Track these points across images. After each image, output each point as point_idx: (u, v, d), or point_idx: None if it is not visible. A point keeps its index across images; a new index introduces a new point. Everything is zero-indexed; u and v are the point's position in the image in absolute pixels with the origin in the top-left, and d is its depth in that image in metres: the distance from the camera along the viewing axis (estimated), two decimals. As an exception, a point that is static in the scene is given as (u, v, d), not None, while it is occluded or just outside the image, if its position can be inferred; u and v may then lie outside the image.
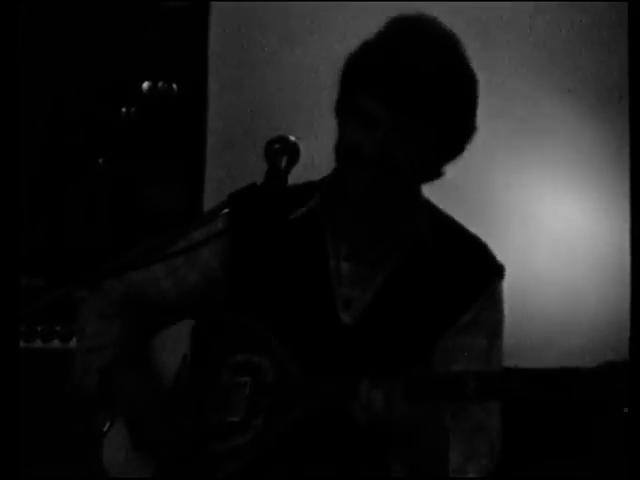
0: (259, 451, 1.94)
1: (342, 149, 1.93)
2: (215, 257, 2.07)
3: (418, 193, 2.03)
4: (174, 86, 3.63)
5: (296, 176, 1.94)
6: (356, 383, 1.82)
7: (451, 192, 3.46)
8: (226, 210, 1.75)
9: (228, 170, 3.48)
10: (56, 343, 3.34)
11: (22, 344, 3.34)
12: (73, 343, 2.96)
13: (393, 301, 1.99)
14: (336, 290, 1.99)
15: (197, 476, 2.00)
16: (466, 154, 3.09)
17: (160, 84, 3.62)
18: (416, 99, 1.85)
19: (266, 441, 1.94)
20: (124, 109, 3.61)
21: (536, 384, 1.73)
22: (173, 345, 2.10)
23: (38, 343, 3.37)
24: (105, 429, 2.09)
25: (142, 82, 3.62)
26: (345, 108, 1.94)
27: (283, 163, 1.82)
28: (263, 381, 1.97)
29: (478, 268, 2.03)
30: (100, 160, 3.63)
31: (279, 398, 1.95)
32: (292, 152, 1.82)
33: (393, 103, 1.86)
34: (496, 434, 2.01)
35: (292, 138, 1.85)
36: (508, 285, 3.42)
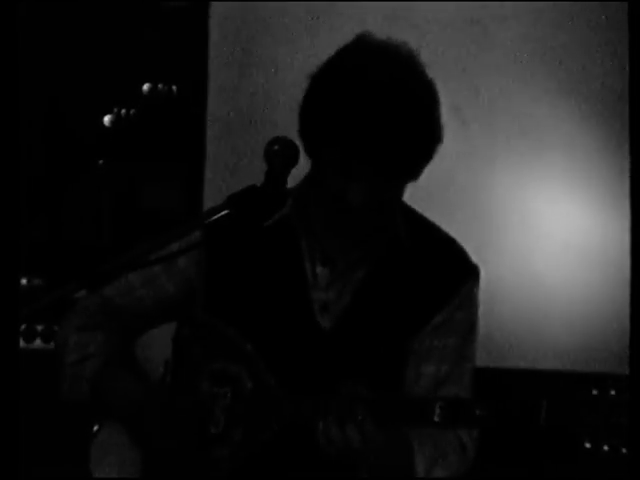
0: (238, 464, 1.96)
1: (326, 193, 1.92)
2: (192, 267, 2.08)
3: (395, 201, 2.03)
4: (174, 87, 3.63)
5: (295, 177, 1.95)
6: (329, 401, 1.83)
7: (450, 193, 3.48)
8: (204, 222, 1.79)
9: (228, 171, 3.48)
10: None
11: (22, 344, 3.35)
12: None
13: (370, 303, 2.01)
14: (313, 294, 2.01)
15: None
16: (466, 156, 3.11)
17: (160, 86, 3.62)
18: (393, 152, 1.85)
19: (245, 454, 1.96)
20: (124, 111, 3.61)
21: (503, 414, 1.73)
22: (157, 347, 2.11)
23: (38, 343, 3.38)
24: (94, 431, 2.12)
25: (142, 83, 3.62)
26: (318, 152, 1.92)
27: (282, 164, 1.83)
28: (241, 392, 1.98)
29: (453, 269, 2.04)
30: (100, 161, 3.63)
31: (257, 412, 1.95)
32: (291, 153, 1.83)
33: (373, 160, 1.85)
34: (466, 433, 2.01)
35: (291, 139, 1.86)
36: (506, 286, 3.44)
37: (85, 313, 2.16)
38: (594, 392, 1.64)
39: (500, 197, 3.44)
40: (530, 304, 3.40)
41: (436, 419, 1.79)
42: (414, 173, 1.93)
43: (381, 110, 1.83)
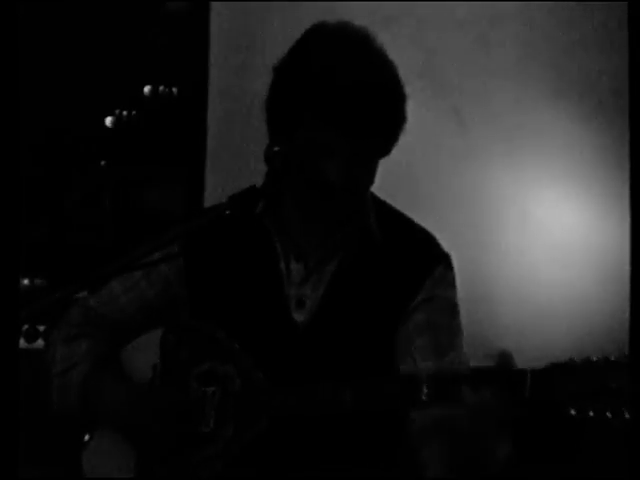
0: (230, 460, 1.97)
1: (302, 182, 1.93)
2: (173, 274, 2.10)
3: (368, 185, 2.05)
4: (174, 89, 3.64)
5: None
6: (317, 391, 1.86)
7: (450, 193, 3.48)
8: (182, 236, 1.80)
9: (228, 173, 3.49)
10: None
11: (24, 344, 3.35)
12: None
13: (342, 294, 2.02)
14: (288, 290, 2.02)
15: None
16: (465, 156, 3.09)
17: (161, 88, 3.63)
18: (369, 124, 1.90)
19: (236, 450, 1.97)
20: (125, 112, 3.62)
21: (489, 387, 1.73)
22: (143, 354, 2.11)
23: (40, 343, 3.38)
24: (85, 440, 2.12)
25: (143, 85, 3.63)
26: (292, 132, 1.92)
27: (282, 165, 1.84)
28: (230, 390, 1.99)
29: (424, 255, 2.05)
30: (102, 163, 3.64)
31: (246, 407, 1.97)
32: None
33: (349, 132, 1.88)
34: None
35: (291, 140, 1.87)
36: (505, 286, 3.44)
37: (69, 324, 2.18)
38: (577, 360, 1.67)
39: (500, 197, 3.45)
40: (530, 304, 3.40)
41: (424, 398, 1.79)
42: (386, 144, 1.97)
43: (352, 81, 1.88)
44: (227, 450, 1.97)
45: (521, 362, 3.38)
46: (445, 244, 2.11)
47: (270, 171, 1.85)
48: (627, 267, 3.29)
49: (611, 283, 3.35)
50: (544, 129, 3.44)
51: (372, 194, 2.08)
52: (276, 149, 1.85)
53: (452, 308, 2.07)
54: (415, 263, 2.04)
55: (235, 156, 3.50)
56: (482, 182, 3.44)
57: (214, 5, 3.56)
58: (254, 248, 2.06)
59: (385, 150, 1.98)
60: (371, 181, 2.01)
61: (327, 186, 1.91)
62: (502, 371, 1.74)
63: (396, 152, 2.06)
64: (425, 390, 1.79)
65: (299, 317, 2.02)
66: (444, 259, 2.08)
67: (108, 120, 3.63)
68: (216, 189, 3.48)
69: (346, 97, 1.87)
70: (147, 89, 3.63)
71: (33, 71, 3.43)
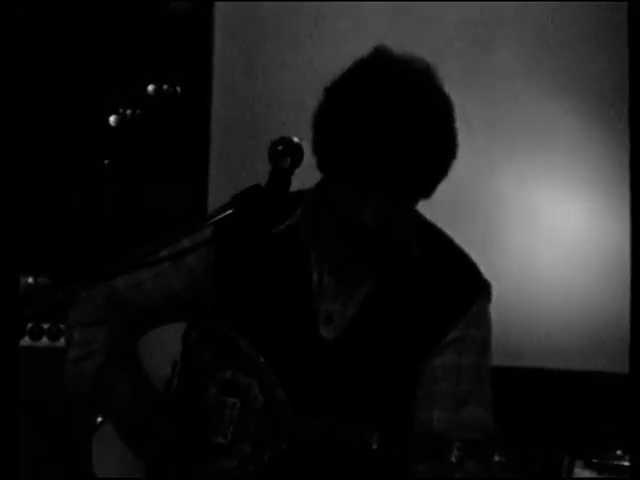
0: (246, 477, 1.94)
1: (339, 215, 1.91)
2: (201, 265, 2.07)
3: (408, 217, 2.00)
4: (178, 88, 3.64)
5: (299, 177, 1.95)
6: (343, 426, 1.83)
7: (452, 193, 3.47)
8: (214, 219, 1.76)
9: (232, 171, 3.48)
10: (62, 341, 3.36)
11: (28, 342, 3.36)
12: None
13: (375, 316, 1.98)
14: (318, 304, 1.99)
15: None
16: (468, 155, 3.06)
17: (165, 86, 3.63)
18: (412, 174, 1.84)
19: (253, 469, 1.94)
20: (129, 111, 3.62)
21: (523, 462, 1.71)
22: (162, 349, 2.08)
23: (44, 341, 3.39)
24: (97, 423, 2.10)
25: (147, 84, 3.63)
26: (331, 169, 1.91)
27: (286, 164, 1.83)
28: (251, 406, 1.97)
29: (464, 285, 2.01)
30: (105, 161, 3.64)
31: (267, 428, 1.94)
32: (295, 153, 1.82)
33: (385, 179, 1.84)
34: None
35: (295, 139, 1.85)
36: (508, 285, 3.43)
37: (91, 306, 2.15)
38: (618, 452, 1.64)
39: (502, 197, 3.44)
40: (531, 303, 3.39)
41: (453, 459, 1.77)
42: (429, 191, 1.92)
43: (398, 129, 1.82)
44: (243, 467, 1.94)
45: (524, 360, 3.39)
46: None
47: (274, 170, 1.84)
48: (628, 267, 3.29)
49: (612, 283, 3.34)
50: (547, 129, 3.43)
51: (418, 215, 2.03)
52: (280, 148, 1.84)
53: (483, 349, 2.03)
54: (455, 293, 1.99)
55: (239, 155, 3.49)
56: (486, 182, 3.44)
57: (218, 5, 3.55)
58: (288, 257, 2.03)
59: (427, 193, 1.92)
60: (409, 219, 1.97)
61: (360, 227, 1.89)
62: (540, 450, 1.72)
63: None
64: (456, 452, 1.78)
65: (326, 333, 1.99)
66: (484, 291, 2.03)
67: (112, 119, 3.63)
68: (220, 188, 3.47)
69: (391, 147, 1.82)
70: (151, 88, 3.63)
71: (36, 70, 3.43)
